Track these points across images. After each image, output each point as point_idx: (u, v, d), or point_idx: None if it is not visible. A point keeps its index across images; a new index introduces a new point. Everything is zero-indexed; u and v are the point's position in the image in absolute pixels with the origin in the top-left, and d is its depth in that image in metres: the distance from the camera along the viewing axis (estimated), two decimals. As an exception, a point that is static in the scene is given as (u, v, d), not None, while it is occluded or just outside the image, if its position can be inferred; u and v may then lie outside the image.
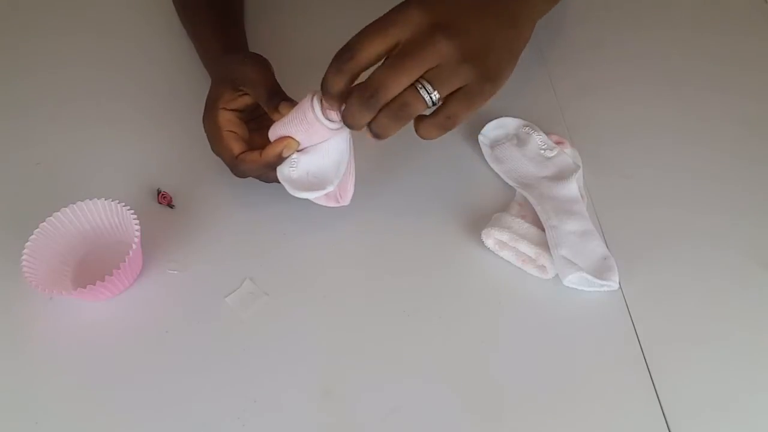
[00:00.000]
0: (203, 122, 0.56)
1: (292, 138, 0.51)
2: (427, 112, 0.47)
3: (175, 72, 0.71)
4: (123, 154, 0.64)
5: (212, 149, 0.56)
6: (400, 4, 0.45)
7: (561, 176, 0.59)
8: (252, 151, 0.54)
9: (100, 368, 0.50)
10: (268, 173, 0.54)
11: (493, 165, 0.61)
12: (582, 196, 0.58)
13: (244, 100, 0.55)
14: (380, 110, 0.45)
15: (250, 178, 0.57)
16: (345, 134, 0.52)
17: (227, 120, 0.55)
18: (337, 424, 0.47)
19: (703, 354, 0.50)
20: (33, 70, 0.73)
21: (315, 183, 0.52)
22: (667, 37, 0.74)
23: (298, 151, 0.52)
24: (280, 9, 0.78)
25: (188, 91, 0.57)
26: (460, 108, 0.45)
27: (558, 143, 0.62)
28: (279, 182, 0.53)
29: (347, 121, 0.46)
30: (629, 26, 0.75)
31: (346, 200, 0.55)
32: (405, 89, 0.44)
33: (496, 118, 0.63)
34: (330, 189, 0.52)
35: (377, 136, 0.47)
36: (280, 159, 0.52)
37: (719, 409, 0.48)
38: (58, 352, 0.51)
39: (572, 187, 0.58)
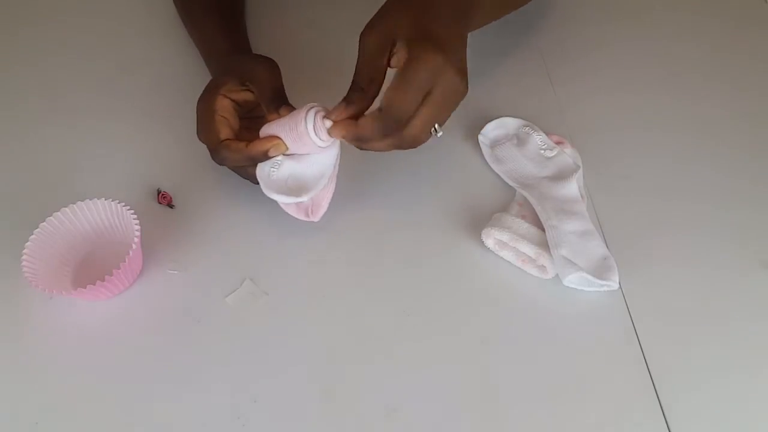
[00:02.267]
0: (198, 104, 0.55)
1: (282, 141, 0.51)
2: None
3: (176, 72, 0.71)
4: (123, 154, 0.64)
5: (198, 134, 0.55)
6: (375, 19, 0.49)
7: (561, 176, 0.59)
8: (238, 141, 0.53)
9: (100, 368, 0.50)
10: (247, 167, 0.54)
11: (493, 165, 0.61)
12: (582, 196, 0.58)
13: (245, 95, 0.55)
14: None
15: (245, 179, 0.57)
16: (333, 152, 0.52)
17: (223, 106, 0.55)
18: (337, 424, 0.47)
19: (703, 354, 0.50)
20: (33, 69, 0.73)
21: (292, 188, 0.52)
22: (667, 36, 0.74)
23: (284, 154, 0.52)
24: (279, 10, 0.78)
25: (189, 91, 0.56)
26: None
27: (558, 143, 0.61)
28: (254, 179, 0.53)
29: (364, 134, 0.49)
30: (629, 26, 0.75)
31: (317, 217, 0.55)
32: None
33: (496, 118, 0.63)
34: (304, 199, 0.52)
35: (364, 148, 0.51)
36: (265, 156, 0.52)
37: (719, 409, 0.47)
38: (58, 352, 0.51)
39: (572, 187, 0.58)
